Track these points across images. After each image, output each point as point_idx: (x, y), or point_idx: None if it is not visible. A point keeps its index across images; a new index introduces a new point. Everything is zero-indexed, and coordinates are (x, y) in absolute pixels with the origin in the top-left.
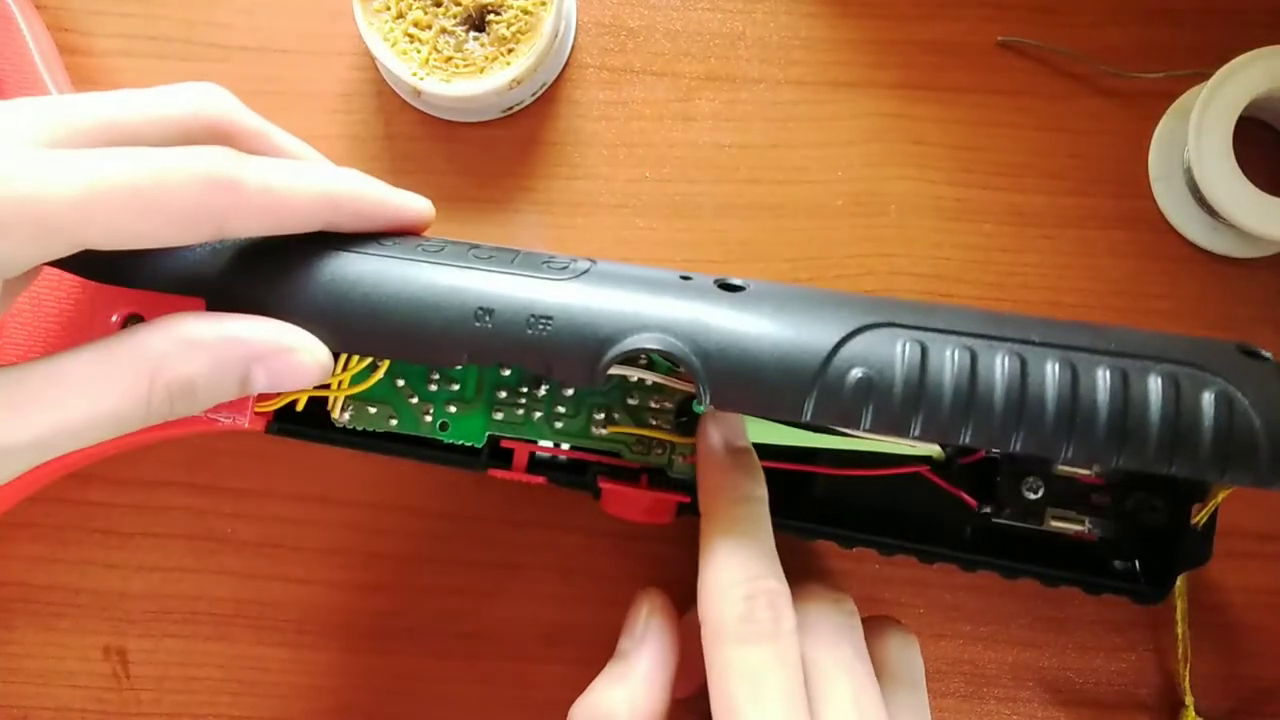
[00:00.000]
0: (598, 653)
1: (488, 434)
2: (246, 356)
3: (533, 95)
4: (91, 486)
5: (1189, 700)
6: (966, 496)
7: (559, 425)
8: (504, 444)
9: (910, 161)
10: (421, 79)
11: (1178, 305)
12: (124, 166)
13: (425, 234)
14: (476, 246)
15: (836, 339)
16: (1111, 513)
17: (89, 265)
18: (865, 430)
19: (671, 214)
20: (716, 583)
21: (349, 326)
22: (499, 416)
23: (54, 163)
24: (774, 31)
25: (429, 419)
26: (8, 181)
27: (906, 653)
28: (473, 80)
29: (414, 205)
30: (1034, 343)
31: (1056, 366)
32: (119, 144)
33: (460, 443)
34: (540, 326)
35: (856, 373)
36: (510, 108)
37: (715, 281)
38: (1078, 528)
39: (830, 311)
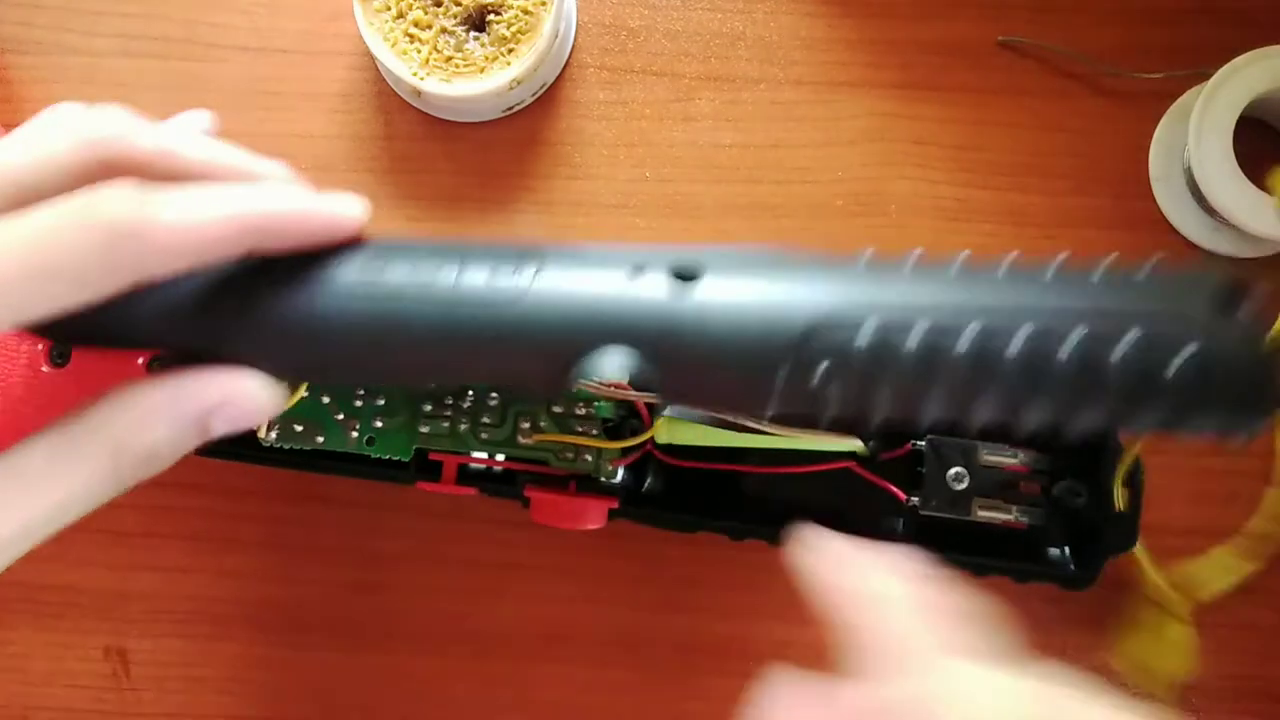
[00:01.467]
0: (598, 653)
1: (415, 447)
2: (202, 412)
3: (533, 95)
4: None
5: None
6: (894, 489)
7: (485, 436)
8: (432, 456)
9: (910, 161)
10: (421, 79)
11: None
12: (12, 238)
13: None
14: (416, 250)
15: (798, 334)
16: (1039, 500)
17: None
18: (829, 421)
19: (671, 214)
20: None
21: (306, 366)
22: (425, 429)
23: None
24: (774, 31)
25: (355, 434)
26: None
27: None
28: (473, 80)
29: (343, 211)
30: (1005, 309)
31: (1025, 335)
32: (8, 201)
33: (387, 457)
34: (498, 349)
35: (821, 367)
36: (510, 108)
37: (670, 268)
38: (1005, 516)
39: (790, 295)
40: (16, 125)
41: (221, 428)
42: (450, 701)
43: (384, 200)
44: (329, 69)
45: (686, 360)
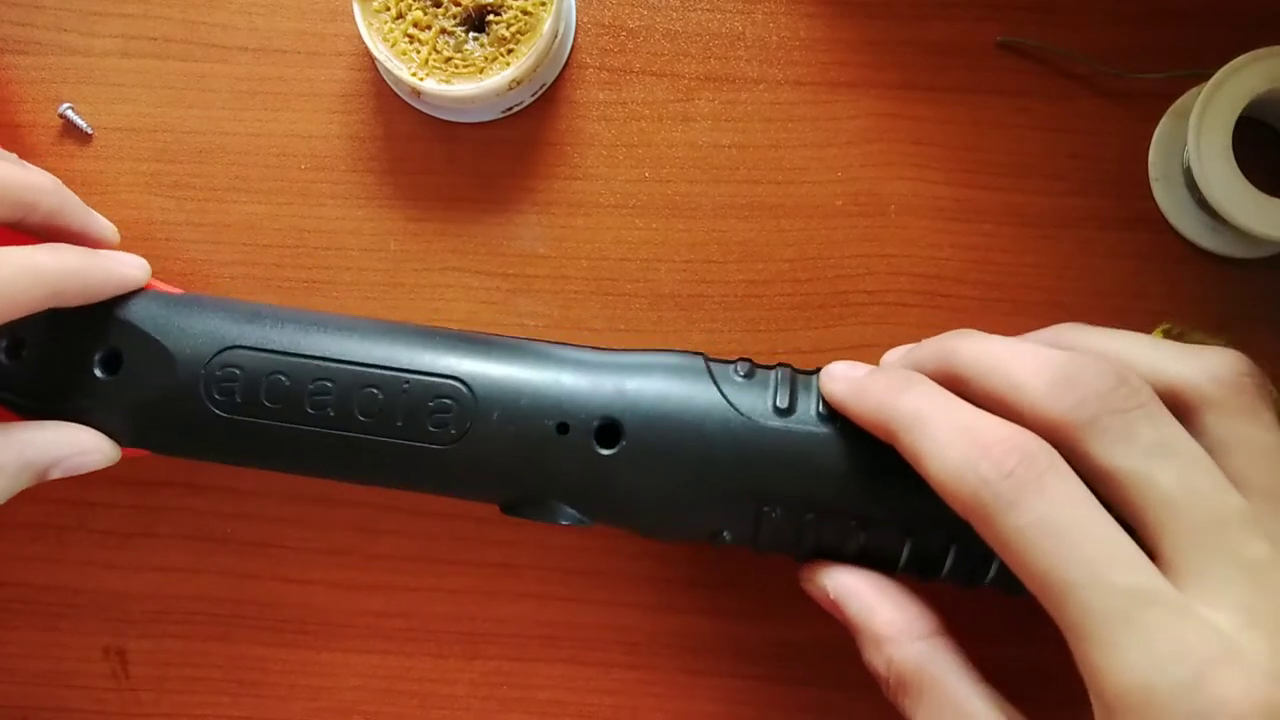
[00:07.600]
0: (598, 653)
1: None
2: (45, 466)
3: (532, 95)
4: (91, 487)
5: None
6: None
7: None
8: None
9: (910, 161)
10: (421, 79)
11: (1178, 305)
12: None
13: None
14: (368, 392)
15: (706, 524)
16: None
17: None
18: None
19: (671, 214)
20: (946, 465)
21: (155, 449)
22: None
23: None
24: (774, 31)
25: None
26: None
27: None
28: (472, 81)
29: (128, 271)
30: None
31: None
32: None
33: None
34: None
35: (726, 535)
36: (510, 108)
37: (594, 433)
38: None
39: (702, 491)
40: (16, 125)
41: (57, 475)
42: (450, 701)
43: (384, 200)
44: (329, 69)
45: (609, 517)
